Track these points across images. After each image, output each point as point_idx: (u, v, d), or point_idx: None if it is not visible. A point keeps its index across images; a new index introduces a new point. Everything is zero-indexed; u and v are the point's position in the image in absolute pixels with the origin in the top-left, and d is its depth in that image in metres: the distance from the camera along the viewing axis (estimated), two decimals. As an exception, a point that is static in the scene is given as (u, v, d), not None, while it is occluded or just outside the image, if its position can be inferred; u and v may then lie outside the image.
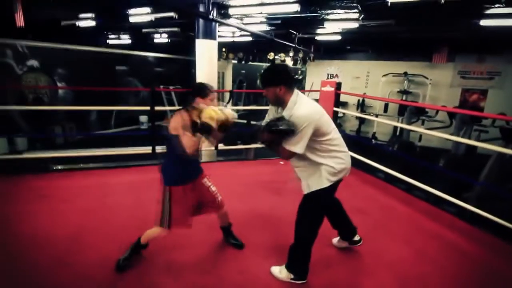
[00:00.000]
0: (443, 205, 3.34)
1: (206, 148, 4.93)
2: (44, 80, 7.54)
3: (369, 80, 9.71)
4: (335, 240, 2.53)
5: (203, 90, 2.06)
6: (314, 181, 1.97)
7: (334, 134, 1.95)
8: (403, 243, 2.65)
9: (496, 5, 3.85)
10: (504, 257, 2.57)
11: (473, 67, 8.29)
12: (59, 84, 7.80)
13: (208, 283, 2.07)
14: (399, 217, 3.15)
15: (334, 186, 2.00)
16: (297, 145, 1.82)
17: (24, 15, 4.42)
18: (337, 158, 1.95)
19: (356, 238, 2.46)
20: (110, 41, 10.21)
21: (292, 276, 2.09)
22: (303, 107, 1.83)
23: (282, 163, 4.80)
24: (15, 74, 7.08)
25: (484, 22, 4.84)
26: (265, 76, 1.92)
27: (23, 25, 4.42)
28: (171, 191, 2.02)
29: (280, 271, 2.14)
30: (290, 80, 1.90)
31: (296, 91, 1.90)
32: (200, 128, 1.87)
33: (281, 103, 1.91)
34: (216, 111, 1.88)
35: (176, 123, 1.93)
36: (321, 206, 2.06)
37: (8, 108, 6.35)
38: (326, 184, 1.95)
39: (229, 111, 1.98)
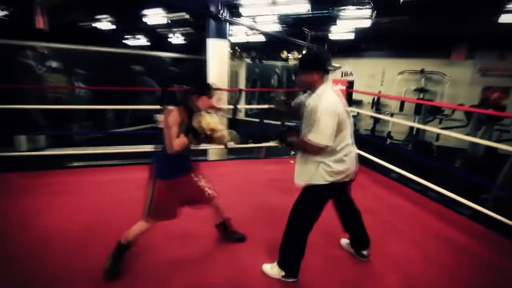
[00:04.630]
0: (458, 207, 3.25)
1: (216, 146, 5.00)
2: (63, 80, 7.81)
3: (385, 78, 9.52)
4: (344, 241, 2.50)
5: (204, 89, 2.05)
6: (308, 175, 1.95)
7: (346, 134, 1.92)
8: (411, 244, 2.61)
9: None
10: (519, 261, 2.49)
11: (495, 64, 7.98)
12: (77, 84, 8.07)
13: (200, 274, 2.13)
14: (409, 218, 3.10)
15: (332, 187, 1.95)
16: (324, 137, 1.79)
17: (44, 18, 4.61)
18: (338, 159, 1.91)
19: (365, 252, 2.35)
20: (126, 42, 10.46)
21: (283, 274, 2.08)
22: (328, 100, 1.83)
23: (292, 162, 4.79)
24: (36, 74, 7.38)
25: (503, 19, 4.67)
26: (305, 59, 1.96)
27: (43, 27, 4.61)
28: (155, 183, 2.05)
29: (271, 268, 2.14)
30: (327, 68, 1.93)
31: (327, 82, 1.91)
32: (194, 132, 1.93)
33: (311, 89, 1.93)
34: (215, 122, 1.97)
35: (172, 119, 1.92)
36: (312, 203, 2.00)
37: (28, 107, 6.63)
38: (320, 181, 1.93)
39: (216, 122, 2.03)
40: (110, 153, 4.90)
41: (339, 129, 1.85)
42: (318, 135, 1.80)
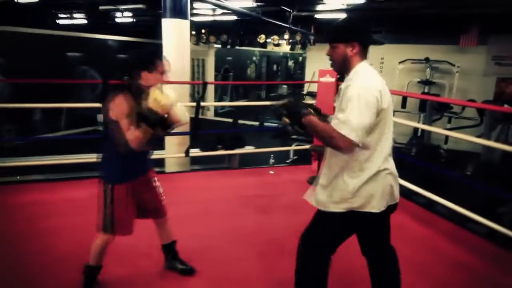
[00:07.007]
0: (472, 225, 3.33)
1: (176, 154, 4.90)
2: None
3: (383, 68, 9.78)
4: None
5: (149, 61, 1.96)
6: (323, 196, 1.76)
7: (382, 138, 1.70)
8: (418, 273, 2.63)
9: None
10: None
11: (511, 51, 8.37)
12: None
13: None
14: (414, 241, 3.14)
15: (347, 219, 1.71)
16: (352, 128, 1.53)
17: None
18: (360, 175, 1.67)
19: None
20: (60, 22, 10.18)
21: None
22: (366, 77, 1.67)
23: (272, 172, 4.78)
24: None
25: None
26: (336, 26, 1.80)
27: None
28: (113, 189, 2.03)
29: None
30: (368, 40, 1.76)
31: (367, 61, 1.74)
32: (145, 117, 1.84)
33: (346, 69, 1.73)
34: (162, 94, 1.84)
35: (121, 109, 1.89)
36: (322, 235, 1.82)
37: None
38: (329, 207, 1.72)
39: (171, 95, 1.93)
40: (36, 166, 4.71)
41: (375, 126, 1.63)
42: (344, 125, 1.54)
